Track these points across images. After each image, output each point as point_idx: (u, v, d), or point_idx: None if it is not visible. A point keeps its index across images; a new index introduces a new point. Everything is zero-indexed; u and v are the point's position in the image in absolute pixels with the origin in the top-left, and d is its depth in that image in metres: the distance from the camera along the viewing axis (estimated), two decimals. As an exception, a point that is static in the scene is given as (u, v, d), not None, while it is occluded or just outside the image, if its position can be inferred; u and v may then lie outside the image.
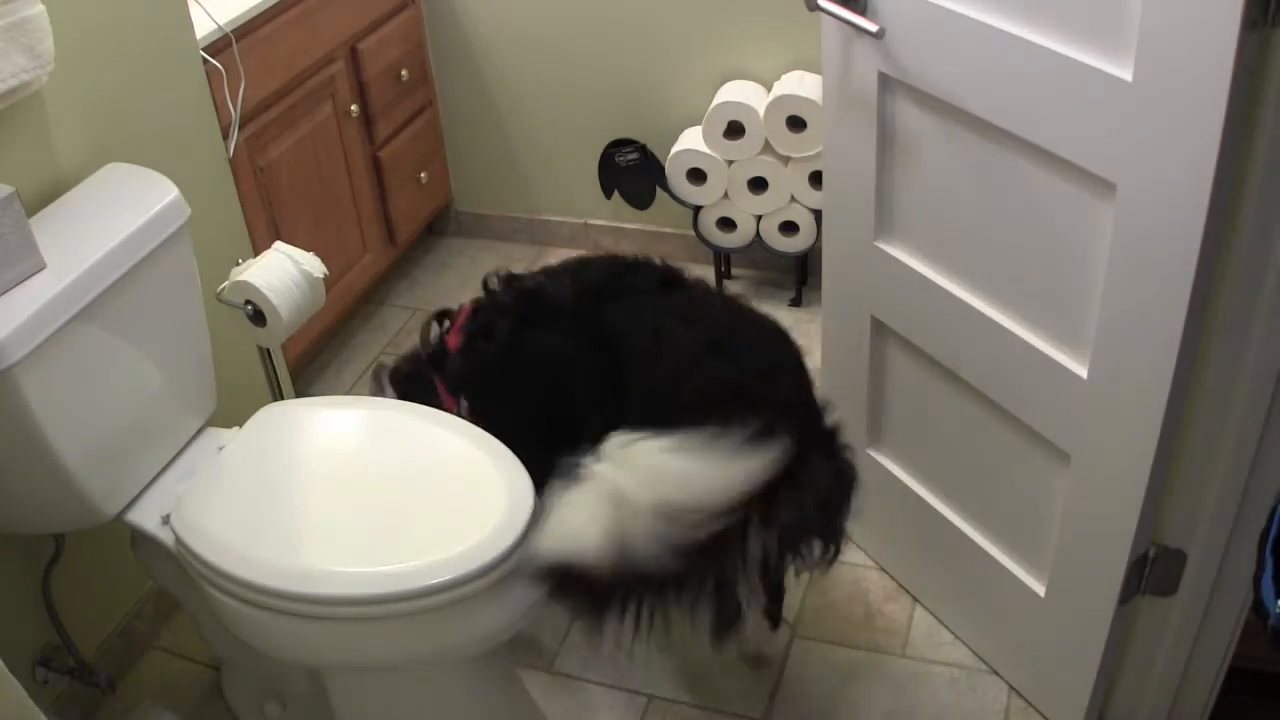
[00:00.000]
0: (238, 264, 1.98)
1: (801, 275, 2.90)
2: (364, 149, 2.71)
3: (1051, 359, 1.58)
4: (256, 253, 2.11)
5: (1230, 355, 1.41)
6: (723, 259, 2.95)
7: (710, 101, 2.71)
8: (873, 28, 1.57)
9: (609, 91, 2.90)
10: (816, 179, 2.65)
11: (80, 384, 1.58)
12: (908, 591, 2.12)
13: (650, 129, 2.89)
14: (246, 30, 2.19)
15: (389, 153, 2.81)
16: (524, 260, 3.16)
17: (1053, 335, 1.59)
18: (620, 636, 1.53)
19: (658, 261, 1.86)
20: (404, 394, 1.99)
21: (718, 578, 1.57)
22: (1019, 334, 1.63)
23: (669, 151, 2.75)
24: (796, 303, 2.90)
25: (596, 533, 1.45)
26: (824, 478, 1.61)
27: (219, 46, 2.12)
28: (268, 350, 2.25)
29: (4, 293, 1.50)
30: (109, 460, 1.67)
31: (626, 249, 3.09)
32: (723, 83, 2.76)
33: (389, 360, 2.11)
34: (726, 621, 1.61)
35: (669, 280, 1.83)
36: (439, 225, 3.32)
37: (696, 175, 2.74)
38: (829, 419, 1.69)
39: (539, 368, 1.85)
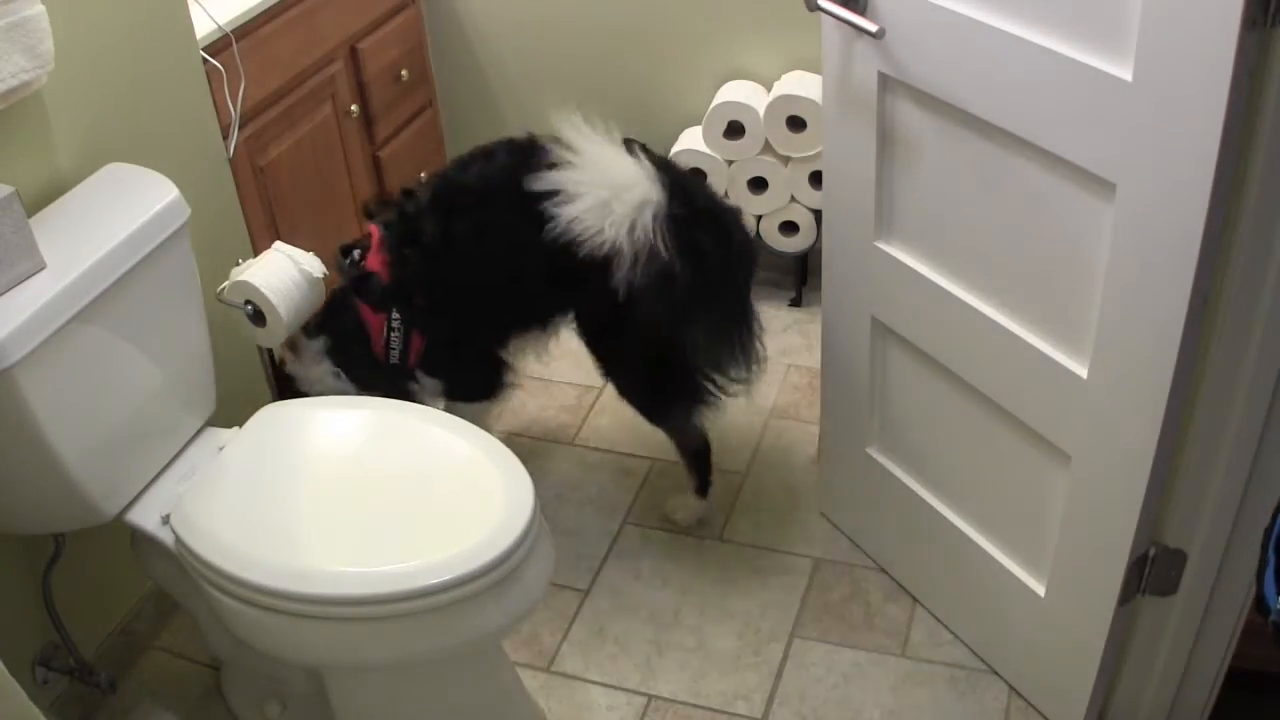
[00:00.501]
0: (238, 264, 1.98)
1: (801, 275, 2.90)
2: (364, 149, 2.71)
3: (1051, 359, 1.58)
4: (256, 253, 2.11)
5: (1230, 355, 1.41)
6: (723, 259, 2.95)
7: (710, 101, 2.71)
8: (873, 28, 1.57)
9: (609, 91, 2.90)
10: (816, 179, 2.65)
11: (80, 384, 1.58)
12: (908, 591, 2.12)
13: (650, 129, 2.88)
14: (246, 30, 2.19)
15: (389, 153, 2.80)
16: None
17: (1053, 335, 1.59)
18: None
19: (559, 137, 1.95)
20: (328, 328, 2.08)
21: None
22: (1019, 334, 1.63)
23: (669, 151, 2.75)
24: (796, 303, 2.90)
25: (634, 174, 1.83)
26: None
27: (219, 46, 2.12)
28: (268, 350, 2.25)
29: (4, 293, 1.50)
30: (109, 460, 1.67)
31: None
32: (723, 83, 2.76)
33: None
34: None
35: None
36: (439, 225, 3.31)
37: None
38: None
39: (481, 244, 1.99)
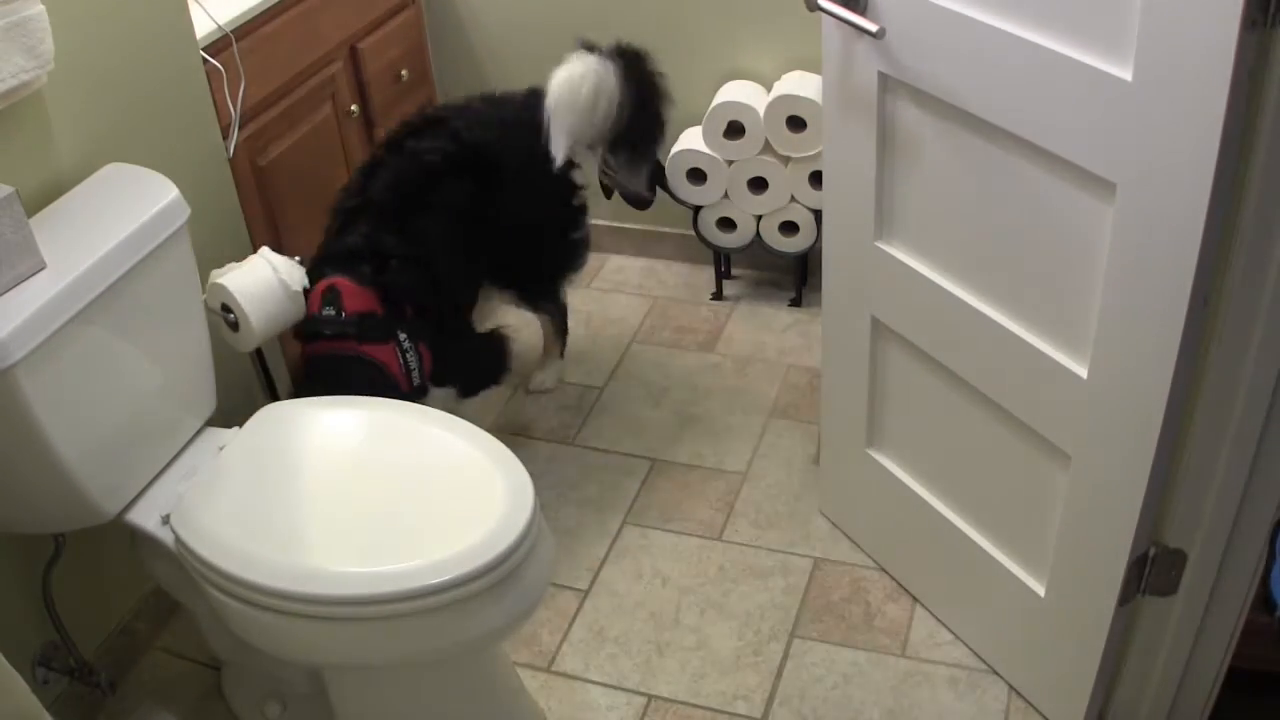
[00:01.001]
0: (221, 266, 1.98)
1: (801, 275, 2.90)
2: (364, 149, 2.70)
3: (1051, 359, 1.58)
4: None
5: (1230, 355, 1.41)
6: (723, 259, 2.95)
7: (710, 101, 2.71)
8: (873, 28, 1.57)
9: (609, 91, 2.89)
10: (816, 179, 2.65)
11: (80, 384, 1.58)
12: (908, 591, 2.12)
13: (650, 129, 2.89)
14: (246, 30, 2.19)
15: (389, 153, 2.80)
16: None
17: (1052, 335, 1.59)
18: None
19: (496, 94, 2.39)
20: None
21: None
22: (1019, 334, 1.63)
23: (669, 151, 2.75)
24: (796, 303, 2.90)
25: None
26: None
27: (219, 46, 2.12)
28: (259, 352, 2.25)
29: (4, 293, 1.50)
30: (109, 460, 1.67)
31: (627, 249, 3.12)
32: (723, 83, 2.76)
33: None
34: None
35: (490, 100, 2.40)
36: (439, 225, 3.31)
37: (696, 175, 2.74)
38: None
39: (441, 222, 2.16)
